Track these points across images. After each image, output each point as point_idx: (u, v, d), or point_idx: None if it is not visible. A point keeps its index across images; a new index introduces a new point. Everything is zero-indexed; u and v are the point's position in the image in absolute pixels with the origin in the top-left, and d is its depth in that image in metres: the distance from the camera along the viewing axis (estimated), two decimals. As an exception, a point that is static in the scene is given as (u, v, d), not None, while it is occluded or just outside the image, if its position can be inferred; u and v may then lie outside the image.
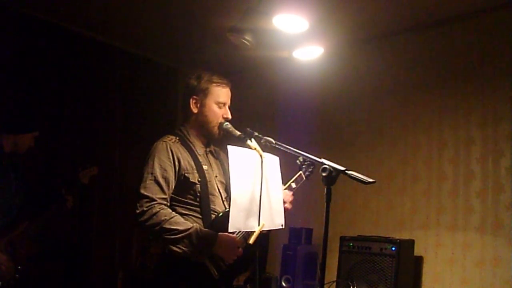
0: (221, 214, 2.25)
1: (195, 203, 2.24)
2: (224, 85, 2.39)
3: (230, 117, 2.39)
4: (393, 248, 3.18)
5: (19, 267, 3.00)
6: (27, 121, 3.18)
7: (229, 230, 1.99)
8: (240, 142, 2.18)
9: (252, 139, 2.16)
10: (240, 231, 2.18)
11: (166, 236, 2.08)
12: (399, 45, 3.91)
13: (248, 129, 2.21)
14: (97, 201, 4.25)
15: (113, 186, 4.38)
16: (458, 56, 3.57)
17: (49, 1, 3.76)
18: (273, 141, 2.18)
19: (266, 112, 4.73)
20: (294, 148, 2.10)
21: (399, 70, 3.89)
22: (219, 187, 2.36)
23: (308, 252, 3.75)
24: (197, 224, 2.17)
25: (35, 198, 3.25)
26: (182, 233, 2.09)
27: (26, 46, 3.87)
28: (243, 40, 3.19)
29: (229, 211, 2.10)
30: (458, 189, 3.43)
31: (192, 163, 2.28)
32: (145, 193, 2.12)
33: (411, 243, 3.39)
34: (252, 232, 2.08)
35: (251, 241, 2.07)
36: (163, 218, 2.08)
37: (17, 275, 2.98)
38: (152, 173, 2.16)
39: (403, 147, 3.78)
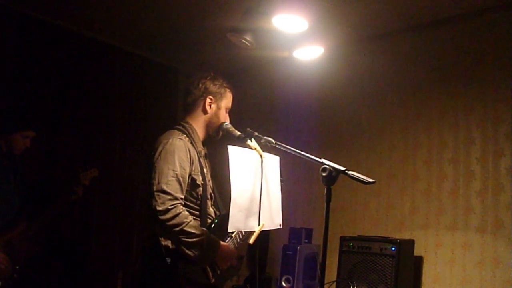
0: (216, 220, 2.30)
1: (196, 206, 2.25)
2: (233, 92, 2.48)
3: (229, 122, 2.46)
4: (393, 248, 3.18)
5: (17, 267, 3.00)
6: (16, 120, 3.16)
7: (229, 230, 2.00)
8: (240, 142, 2.19)
9: (252, 139, 2.17)
10: (230, 238, 2.27)
11: (183, 239, 2.08)
12: (399, 45, 3.91)
13: (248, 129, 2.22)
14: (97, 201, 4.25)
15: (113, 186, 4.38)
16: (458, 56, 3.56)
17: (49, 1, 3.76)
18: (273, 141, 2.18)
19: (266, 112, 4.73)
20: (294, 148, 2.10)
21: (399, 70, 3.89)
22: (211, 191, 2.39)
23: (308, 252, 3.75)
24: (207, 232, 2.19)
25: (35, 198, 3.25)
26: (198, 237, 2.09)
27: (26, 46, 3.87)
28: (243, 40, 3.19)
29: (223, 215, 2.22)
30: (458, 189, 3.43)
31: (198, 165, 2.28)
32: (168, 190, 2.08)
33: (411, 243, 3.39)
34: (252, 232, 2.09)
35: (251, 241, 2.07)
36: (185, 220, 2.08)
37: (15, 275, 2.98)
38: (174, 170, 2.12)
39: (403, 147, 3.78)
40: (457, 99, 3.53)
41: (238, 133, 2.27)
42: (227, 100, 2.43)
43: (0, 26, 3.70)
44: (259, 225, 2.08)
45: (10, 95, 3.73)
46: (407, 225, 3.65)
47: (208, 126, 2.39)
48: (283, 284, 3.64)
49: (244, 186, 2.05)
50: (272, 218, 2.19)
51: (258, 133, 2.21)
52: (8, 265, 2.95)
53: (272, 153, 2.24)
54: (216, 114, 2.39)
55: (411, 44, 3.84)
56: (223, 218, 2.21)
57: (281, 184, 2.32)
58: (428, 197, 3.58)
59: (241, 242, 2.33)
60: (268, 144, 2.19)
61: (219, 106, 2.40)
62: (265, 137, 2.20)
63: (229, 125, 2.36)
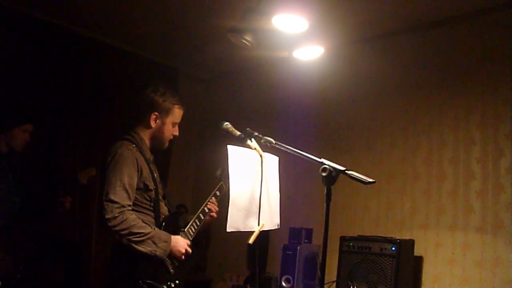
0: (164, 222, 2.47)
1: (150, 207, 2.44)
2: (182, 107, 2.60)
3: (177, 134, 2.61)
4: (393, 248, 3.17)
5: (21, 267, 3.00)
6: (13, 115, 3.18)
7: (228, 230, 2.00)
8: (240, 142, 2.18)
9: (252, 139, 2.17)
10: (183, 231, 2.45)
11: (133, 239, 2.27)
12: (399, 45, 3.91)
13: (248, 129, 2.22)
14: (96, 201, 4.24)
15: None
16: (458, 56, 3.56)
17: (49, 1, 3.77)
18: (273, 141, 2.18)
19: (266, 112, 4.73)
20: (294, 148, 2.10)
21: (399, 70, 3.89)
22: (163, 193, 2.58)
23: (308, 252, 3.74)
24: (156, 228, 2.37)
25: (35, 198, 3.25)
26: (146, 235, 2.29)
27: (26, 46, 3.88)
28: (243, 40, 3.19)
29: (173, 213, 2.56)
30: (458, 189, 3.43)
31: (148, 171, 2.46)
32: (115, 199, 2.27)
33: (411, 243, 3.39)
34: (252, 232, 2.09)
35: (251, 241, 2.07)
36: (132, 224, 2.27)
37: (18, 276, 2.98)
38: (121, 180, 2.31)
39: (403, 147, 3.78)
40: (457, 99, 3.53)
41: (238, 133, 2.27)
42: (173, 116, 2.54)
43: (0, 26, 3.70)
44: (258, 225, 2.08)
45: (10, 95, 3.73)
46: (407, 225, 3.65)
47: (152, 138, 2.55)
48: (283, 284, 3.64)
49: (243, 186, 2.05)
50: (271, 218, 2.19)
51: (258, 133, 2.21)
52: (9, 264, 2.95)
53: (272, 153, 2.24)
54: (160, 129, 2.53)
55: (411, 44, 3.84)
56: (173, 215, 2.54)
57: (218, 176, 2.49)
58: (428, 197, 3.58)
59: (196, 232, 2.51)
60: (268, 144, 2.19)
61: (164, 122, 2.52)
62: (265, 137, 2.21)
63: (229, 125, 2.35)
